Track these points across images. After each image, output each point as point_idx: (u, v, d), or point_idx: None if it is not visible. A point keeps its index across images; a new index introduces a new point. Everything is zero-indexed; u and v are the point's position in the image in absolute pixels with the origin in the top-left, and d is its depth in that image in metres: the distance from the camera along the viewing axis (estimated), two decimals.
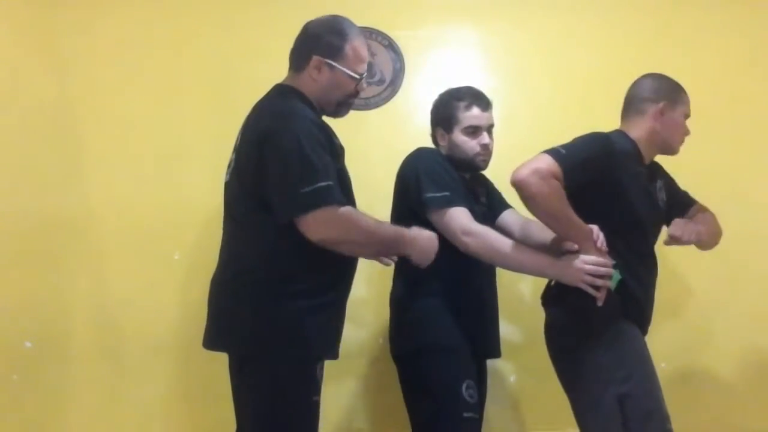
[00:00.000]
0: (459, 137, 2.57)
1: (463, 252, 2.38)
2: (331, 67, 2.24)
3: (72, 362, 2.98)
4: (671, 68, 3.16)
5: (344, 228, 2.10)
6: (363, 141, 3.16)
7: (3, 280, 2.98)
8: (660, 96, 2.48)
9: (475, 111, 2.56)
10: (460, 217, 2.39)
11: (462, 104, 2.57)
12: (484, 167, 2.63)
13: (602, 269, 2.23)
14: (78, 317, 3.01)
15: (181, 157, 3.07)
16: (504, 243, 2.36)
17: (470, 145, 2.56)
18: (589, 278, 2.24)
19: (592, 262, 2.24)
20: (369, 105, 3.19)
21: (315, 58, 2.24)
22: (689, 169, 2.81)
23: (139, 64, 3.15)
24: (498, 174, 3.13)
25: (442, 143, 2.61)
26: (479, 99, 2.59)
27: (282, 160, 2.07)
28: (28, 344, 2.97)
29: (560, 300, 2.41)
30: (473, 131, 2.56)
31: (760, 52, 3.28)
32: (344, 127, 3.14)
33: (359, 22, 3.17)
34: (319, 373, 2.19)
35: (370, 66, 3.15)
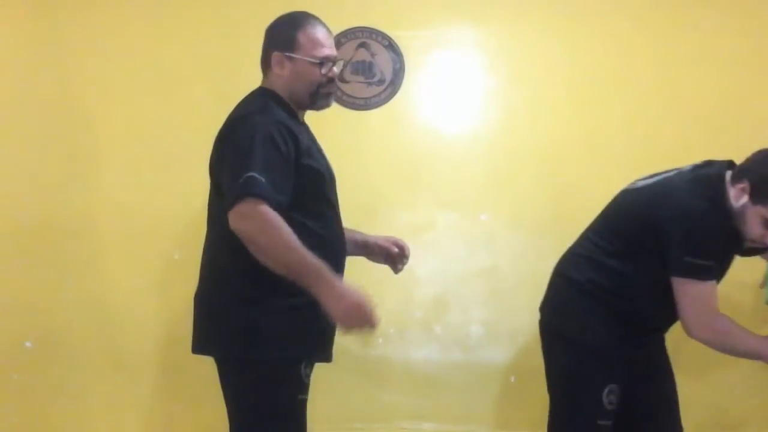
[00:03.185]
0: (756, 220, 2.26)
1: None
2: (290, 58, 2.22)
3: (72, 362, 2.99)
4: (671, 68, 3.19)
5: (256, 226, 1.99)
6: (363, 141, 3.17)
7: (3, 280, 2.98)
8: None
9: None
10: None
11: None
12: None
13: None
14: (78, 317, 3.01)
15: (181, 157, 3.07)
16: None
17: (758, 232, 2.28)
18: None
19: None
20: (369, 105, 3.18)
21: (274, 55, 2.24)
22: None
23: (140, 64, 3.14)
24: (498, 173, 3.15)
25: (734, 198, 2.27)
26: None
27: (229, 156, 2.09)
28: (28, 344, 2.97)
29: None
30: None
31: (761, 53, 3.27)
32: (344, 127, 3.17)
33: (359, 22, 3.21)
34: (304, 373, 2.17)
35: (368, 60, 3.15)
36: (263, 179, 1.99)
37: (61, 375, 2.97)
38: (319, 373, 3.00)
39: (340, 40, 3.19)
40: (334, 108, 3.14)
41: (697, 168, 2.36)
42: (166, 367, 2.98)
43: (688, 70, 3.18)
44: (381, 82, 3.19)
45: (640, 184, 2.45)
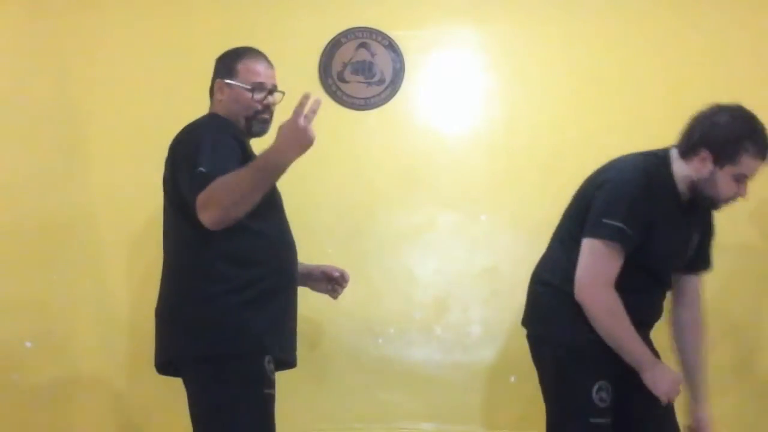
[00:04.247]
0: (726, 179, 2.31)
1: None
2: (229, 85, 2.41)
3: (72, 362, 2.99)
4: (672, 68, 3.19)
5: (216, 201, 2.11)
6: (363, 141, 3.17)
7: (3, 280, 2.98)
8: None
9: (760, 162, 2.33)
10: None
11: (752, 148, 2.28)
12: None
13: None
14: (78, 317, 3.01)
15: None
16: None
17: (730, 190, 2.33)
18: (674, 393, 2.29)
19: None
20: (369, 105, 3.18)
21: (217, 81, 2.45)
22: None
23: (140, 64, 3.14)
24: (498, 174, 3.15)
25: (701, 167, 2.30)
26: None
27: (181, 158, 2.25)
28: (28, 344, 2.97)
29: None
30: (744, 181, 2.33)
31: (763, 52, 3.27)
32: (344, 127, 3.17)
33: (359, 22, 3.22)
34: (268, 368, 2.22)
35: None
36: (207, 170, 2.12)
37: (61, 375, 2.97)
38: (320, 373, 3.02)
39: (340, 40, 3.19)
40: (334, 108, 3.17)
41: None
42: None
43: (689, 70, 3.18)
44: (381, 82, 3.19)
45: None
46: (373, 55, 3.19)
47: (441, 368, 3.05)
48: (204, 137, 2.23)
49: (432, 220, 3.12)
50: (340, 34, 3.19)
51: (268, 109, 2.43)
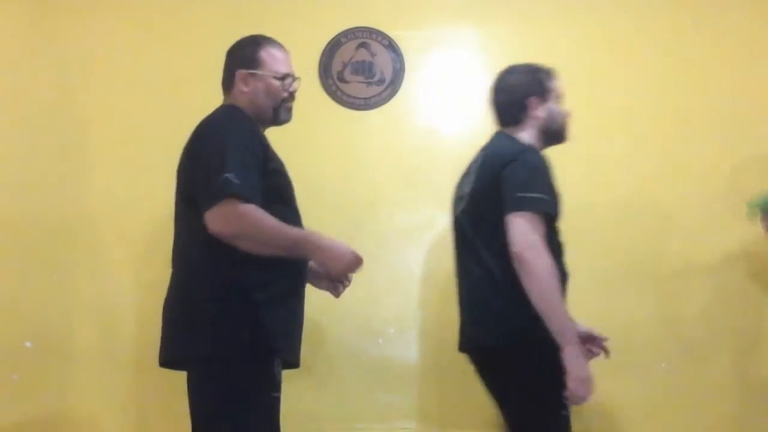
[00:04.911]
0: (555, 106, 2.55)
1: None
2: (254, 75, 2.34)
3: (72, 362, 2.99)
4: (670, 68, 3.19)
5: (239, 226, 2.09)
6: (363, 141, 3.17)
7: (3, 280, 2.98)
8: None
9: (558, 80, 2.59)
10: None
11: (547, 74, 2.58)
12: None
13: None
14: (78, 317, 3.01)
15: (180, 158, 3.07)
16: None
17: (563, 113, 2.56)
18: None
19: None
20: (369, 105, 3.18)
21: (238, 73, 2.35)
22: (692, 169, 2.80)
23: (140, 64, 3.15)
24: None
25: (540, 113, 2.51)
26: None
27: (202, 157, 2.18)
28: (28, 344, 2.97)
29: None
30: (560, 101, 2.58)
31: (759, 52, 3.27)
32: (344, 127, 3.17)
33: (359, 22, 3.22)
34: (277, 371, 2.20)
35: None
36: (238, 181, 2.08)
37: (61, 375, 2.98)
38: (320, 372, 3.02)
39: (340, 40, 3.20)
40: (334, 108, 3.17)
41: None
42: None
43: (690, 71, 3.19)
44: (381, 82, 3.19)
45: (465, 189, 2.54)
46: (373, 55, 3.19)
47: (441, 368, 3.04)
48: (231, 138, 2.15)
49: (432, 220, 3.12)
50: (340, 34, 3.19)
51: (293, 96, 2.39)
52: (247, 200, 2.08)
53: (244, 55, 2.37)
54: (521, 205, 2.30)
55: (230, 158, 2.10)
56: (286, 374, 2.36)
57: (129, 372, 2.99)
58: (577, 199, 3.08)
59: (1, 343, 2.96)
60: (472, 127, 3.17)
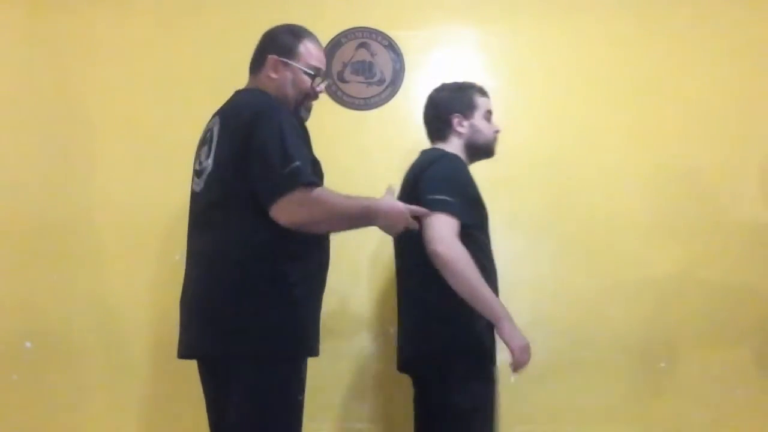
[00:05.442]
0: (481, 122, 2.65)
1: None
2: (286, 65, 2.30)
3: (72, 362, 2.99)
4: (668, 68, 3.19)
5: (318, 209, 2.10)
6: (363, 141, 3.17)
7: (3, 280, 2.99)
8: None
9: (487, 98, 2.70)
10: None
11: (476, 92, 2.68)
12: (495, 153, 2.73)
13: None
14: (78, 317, 3.01)
15: (181, 157, 3.05)
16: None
17: (490, 129, 2.68)
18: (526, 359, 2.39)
19: None
20: (369, 105, 3.18)
21: (271, 58, 2.30)
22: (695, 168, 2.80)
23: (140, 64, 3.15)
24: (498, 174, 3.14)
25: (461, 129, 2.64)
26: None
27: (264, 148, 2.09)
28: (28, 344, 2.97)
29: None
30: (489, 117, 2.69)
31: (758, 50, 3.26)
32: (344, 127, 3.17)
33: (359, 22, 3.22)
34: (304, 372, 2.18)
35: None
36: (305, 168, 2.08)
37: (61, 375, 2.98)
38: (319, 373, 3.01)
39: (340, 40, 3.20)
40: (335, 108, 3.17)
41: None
42: (167, 367, 2.98)
43: (690, 69, 3.18)
44: (381, 82, 3.19)
45: None
46: (373, 55, 3.19)
47: None
48: (284, 127, 2.10)
49: None
50: (340, 34, 3.19)
51: (317, 95, 2.37)
52: (316, 185, 2.10)
53: (283, 42, 2.33)
54: (431, 207, 2.37)
55: (290, 147, 2.08)
56: None
57: (129, 372, 2.99)
58: (578, 200, 3.11)
59: (1, 343, 2.96)
60: None
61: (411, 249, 2.49)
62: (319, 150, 3.16)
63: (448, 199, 2.40)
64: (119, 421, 2.98)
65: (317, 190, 2.09)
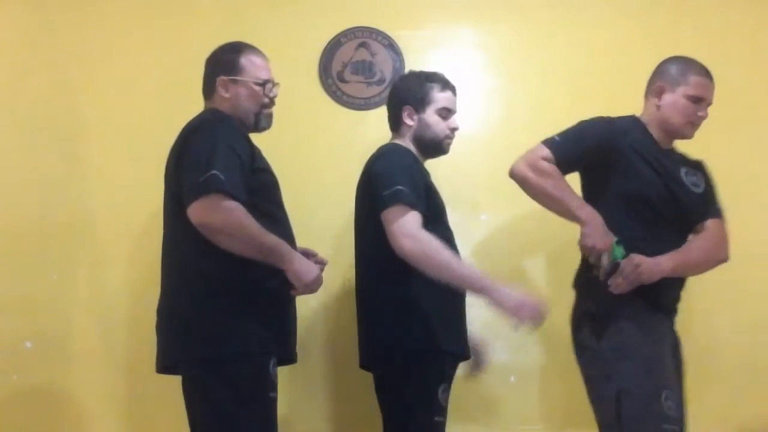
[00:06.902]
0: (432, 117, 2.60)
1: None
2: (235, 81, 2.38)
3: (72, 362, 2.99)
4: None
5: (223, 219, 2.13)
6: (363, 141, 3.15)
7: (3, 280, 2.98)
8: (661, 77, 2.58)
9: (449, 94, 2.64)
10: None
11: (437, 86, 2.62)
12: (448, 151, 2.69)
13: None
14: (78, 317, 3.01)
15: None
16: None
17: (441, 126, 2.61)
18: (525, 315, 2.29)
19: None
20: (369, 105, 3.18)
21: (219, 79, 2.39)
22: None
23: (140, 64, 3.15)
24: (498, 174, 3.14)
25: (409, 122, 2.61)
26: (453, 85, 2.67)
27: (189, 158, 2.21)
28: (28, 344, 2.97)
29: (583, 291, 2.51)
30: (446, 114, 2.63)
31: (760, 54, 3.27)
32: (344, 127, 3.17)
33: (359, 22, 3.22)
34: (273, 371, 2.21)
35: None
36: (225, 178, 2.12)
37: (61, 375, 2.98)
38: (318, 373, 3.02)
39: (340, 40, 3.20)
40: (334, 108, 3.17)
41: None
42: None
43: None
44: (381, 81, 3.19)
45: None
46: (373, 55, 3.19)
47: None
48: (218, 139, 2.20)
49: None
50: (340, 34, 3.19)
51: (273, 102, 2.43)
52: (233, 198, 2.13)
53: (225, 61, 2.41)
54: (386, 203, 2.36)
55: (217, 157, 2.15)
56: (285, 374, 2.37)
57: (129, 372, 2.99)
58: None
59: (1, 343, 2.96)
60: (472, 126, 3.17)
61: (363, 247, 2.53)
62: (319, 150, 3.19)
63: (400, 188, 2.36)
64: (119, 421, 2.98)
65: (230, 202, 2.13)
